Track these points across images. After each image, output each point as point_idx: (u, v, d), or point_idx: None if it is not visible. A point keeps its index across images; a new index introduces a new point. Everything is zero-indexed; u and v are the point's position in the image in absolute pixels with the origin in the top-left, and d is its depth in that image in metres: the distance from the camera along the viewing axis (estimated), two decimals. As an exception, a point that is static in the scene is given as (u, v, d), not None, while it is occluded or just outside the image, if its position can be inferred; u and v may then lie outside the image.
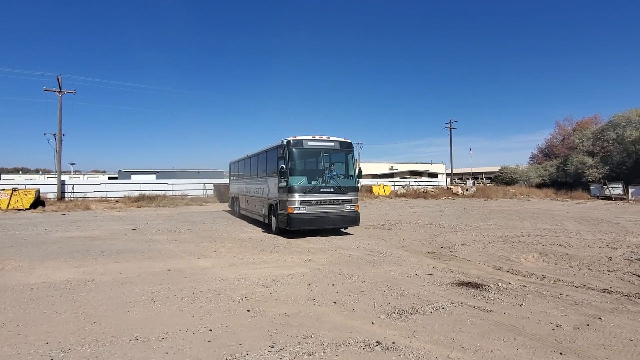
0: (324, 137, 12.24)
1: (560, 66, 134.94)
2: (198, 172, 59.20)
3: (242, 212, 18.28)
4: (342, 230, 13.17)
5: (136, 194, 31.74)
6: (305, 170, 12.40)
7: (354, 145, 12.77)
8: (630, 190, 27.79)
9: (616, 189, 28.49)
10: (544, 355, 3.70)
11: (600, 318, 4.67)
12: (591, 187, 30.55)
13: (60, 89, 29.66)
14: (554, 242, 10.35)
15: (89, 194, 32.09)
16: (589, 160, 34.00)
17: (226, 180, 45.97)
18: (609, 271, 7.07)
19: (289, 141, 11.80)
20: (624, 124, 32.38)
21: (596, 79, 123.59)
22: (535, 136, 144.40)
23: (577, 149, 37.49)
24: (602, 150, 34.66)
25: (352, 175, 12.52)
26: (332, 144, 12.29)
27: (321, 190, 11.67)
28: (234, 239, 11.85)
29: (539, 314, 4.84)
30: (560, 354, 3.72)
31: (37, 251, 9.62)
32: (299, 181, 11.54)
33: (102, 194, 33.05)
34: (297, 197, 11.37)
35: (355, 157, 12.75)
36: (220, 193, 34.60)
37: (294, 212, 11.35)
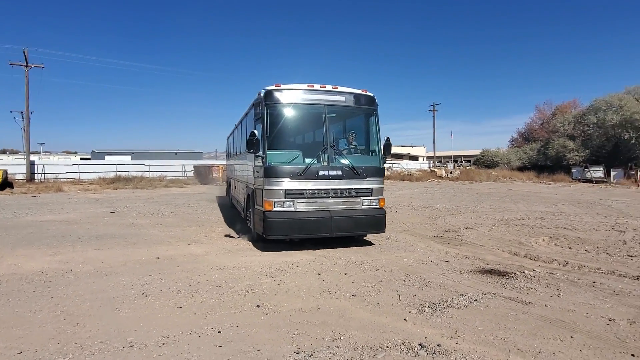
0: (329, 87, 7.64)
1: (537, 51, 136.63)
2: (176, 154, 57.48)
3: (232, 200, 14.30)
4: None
5: (111, 175, 30.24)
6: (295, 140, 8.39)
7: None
8: (612, 174, 28.30)
9: (597, 172, 28.95)
10: (614, 358, 3.23)
11: (651, 310, 4.25)
12: (573, 170, 30.97)
13: (27, 63, 27.61)
14: (558, 225, 10.08)
15: (60, 175, 30.40)
16: (570, 144, 34.50)
17: (206, 162, 44.75)
18: (629, 256, 6.75)
19: (268, 92, 7.36)
20: (605, 108, 32.84)
21: (574, 64, 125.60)
22: (513, 120, 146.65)
23: (558, 132, 37.95)
24: (583, 134, 35.22)
25: (374, 151, 8.01)
26: (343, 98, 7.68)
27: (321, 173, 7.17)
28: (223, 222, 11.09)
29: (583, 306, 4.39)
30: (633, 355, 3.26)
31: (6, 237, 8.63)
32: (283, 158, 7.21)
33: (75, 175, 31.42)
34: (279, 184, 7.02)
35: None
36: (201, 175, 33.50)
37: (274, 209, 7.00)
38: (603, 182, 27.97)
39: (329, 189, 7.28)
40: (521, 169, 39.33)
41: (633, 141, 29.99)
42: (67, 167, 32.68)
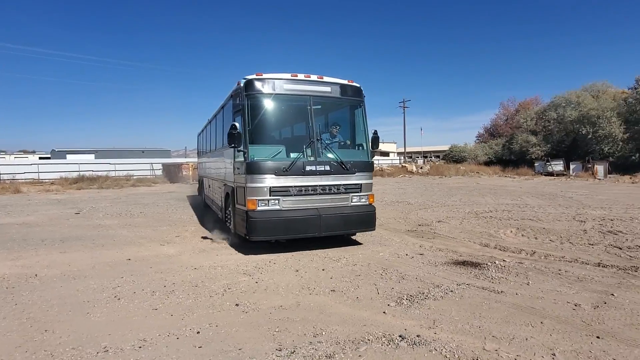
0: (313, 77, 7.26)
1: (502, 49, 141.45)
2: (143, 152, 55.88)
3: (206, 200, 13.54)
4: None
5: (74, 175, 28.97)
6: (279, 133, 7.91)
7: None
8: (571, 167, 29.81)
9: (557, 166, 30.45)
10: (581, 340, 3.40)
11: (612, 294, 4.50)
12: (535, 164, 32.44)
13: (-23, 55, 25.91)
14: (524, 216, 10.51)
15: (18, 176, 28.81)
16: (533, 139, 36.03)
17: (175, 160, 43.64)
18: (590, 244, 7.13)
19: (249, 82, 6.86)
20: (564, 104, 34.49)
21: (535, 62, 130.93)
22: (479, 116, 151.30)
23: (521, 128, 39.51)
24: (544, 129, 36.83)
25: (361, 145, 7.66)
26: (328, 88, 7.31)
27: (308, 169, 6.79)
28: (196, 221, 10.87)
29: (551, 293, 4.60)
30: (598, 337, 3.44)
31: (-41, 242, 8.10)
32: (267, 153, 6.75)
33: (34, 176, 29.92)
34: (262, 181, 6.57)
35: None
36: (170, 173, 32.72)
37: (258, 208, 6.56)
38: (563, 175, 29.44)
39: (316, 186, 6.88)
40: (487, 163, 40.73)
41: (590, 136, 31.64)
42: (26, 167, 31.11)
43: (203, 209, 13.36)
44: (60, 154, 49.69)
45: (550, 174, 30.04)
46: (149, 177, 33.31)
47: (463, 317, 3.94)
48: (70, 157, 42.86)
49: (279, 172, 6.63)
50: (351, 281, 5.20)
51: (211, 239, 8.19)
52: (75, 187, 24.77)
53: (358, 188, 7.25)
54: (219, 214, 9.73)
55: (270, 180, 6.61)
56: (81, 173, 29.37)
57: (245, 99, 6.79)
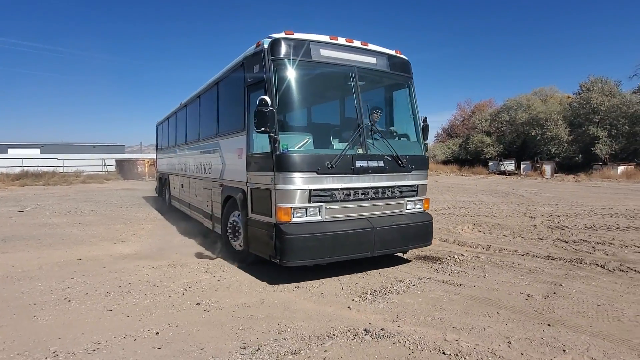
0: (357, 43, 5.57)
1: (458, 51, 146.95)
2: (94, 147, 53.24)
3: (174, 202, 11.29)
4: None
5: (17, 170, 27.09)
6: (316, 116, 6.60)
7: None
8: (522, 166, 31.52)
9: (509, 165, 32.14)
10: (534, 328, 3.58)
11: (561, 285, 4.79)
12: (489, 164, 34.03)
13: None
14: (480, 213, 10.97)
15: (-48, 171, 26.51)
16: (487, 140, 37.72)
17: (130, 156, 41.85)
18: (540, 239, 7.55)
19: (276, 42, 4.99)
20: (516, 107, 36.42)
21: (490, 64, 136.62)
22: (438, 117, 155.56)
23: (476, 129, 41.23)
24: (497, 131, 38.65)
25: (411, 135, 6.10)
26: (374, 59, 5.66)
27: (358, 165, 5.09)
28: (153, 219, 10.47)
29: (505, 285, 4.82)
30: (549, 325, 3.64)
31: None
32: (299, 142, 5.00)
33: (-29, 171, 27.54)
34: (300, 182, 4.77)
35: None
36: (124, 169, 31.40)
37: (294, 220, 4.78)
38: (514, 174, 31.09)
39: (368, 188, 5.22)
40: (445, 162, 42.13)
41: (538, 137, 33.60)
42: (-39, 162, 28.64)
43: (162, 205, 12.88)
44: (1, 148, 46.21)
45: (503, 173, 31.64)
46: (100, 173, 31.82)
47: (425, 310, 4.04)
48: (12, 152, 40.10)
49: (323, 170, 4.85)
50: (315, 277, 5.19)
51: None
52: (18, 184, 23.16)
53: (414, 191, 5.73)
54: (207, 223, 7.62)
55: (310, 181, 4.81)
56: (25, 169, 27.53)
57: (270, 67, 4.92)
